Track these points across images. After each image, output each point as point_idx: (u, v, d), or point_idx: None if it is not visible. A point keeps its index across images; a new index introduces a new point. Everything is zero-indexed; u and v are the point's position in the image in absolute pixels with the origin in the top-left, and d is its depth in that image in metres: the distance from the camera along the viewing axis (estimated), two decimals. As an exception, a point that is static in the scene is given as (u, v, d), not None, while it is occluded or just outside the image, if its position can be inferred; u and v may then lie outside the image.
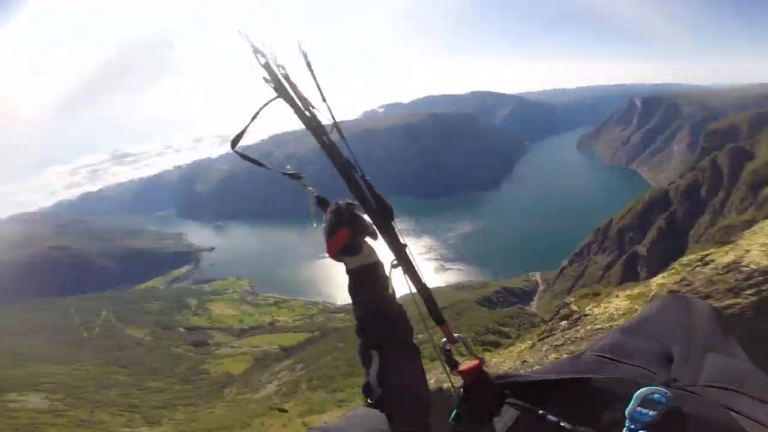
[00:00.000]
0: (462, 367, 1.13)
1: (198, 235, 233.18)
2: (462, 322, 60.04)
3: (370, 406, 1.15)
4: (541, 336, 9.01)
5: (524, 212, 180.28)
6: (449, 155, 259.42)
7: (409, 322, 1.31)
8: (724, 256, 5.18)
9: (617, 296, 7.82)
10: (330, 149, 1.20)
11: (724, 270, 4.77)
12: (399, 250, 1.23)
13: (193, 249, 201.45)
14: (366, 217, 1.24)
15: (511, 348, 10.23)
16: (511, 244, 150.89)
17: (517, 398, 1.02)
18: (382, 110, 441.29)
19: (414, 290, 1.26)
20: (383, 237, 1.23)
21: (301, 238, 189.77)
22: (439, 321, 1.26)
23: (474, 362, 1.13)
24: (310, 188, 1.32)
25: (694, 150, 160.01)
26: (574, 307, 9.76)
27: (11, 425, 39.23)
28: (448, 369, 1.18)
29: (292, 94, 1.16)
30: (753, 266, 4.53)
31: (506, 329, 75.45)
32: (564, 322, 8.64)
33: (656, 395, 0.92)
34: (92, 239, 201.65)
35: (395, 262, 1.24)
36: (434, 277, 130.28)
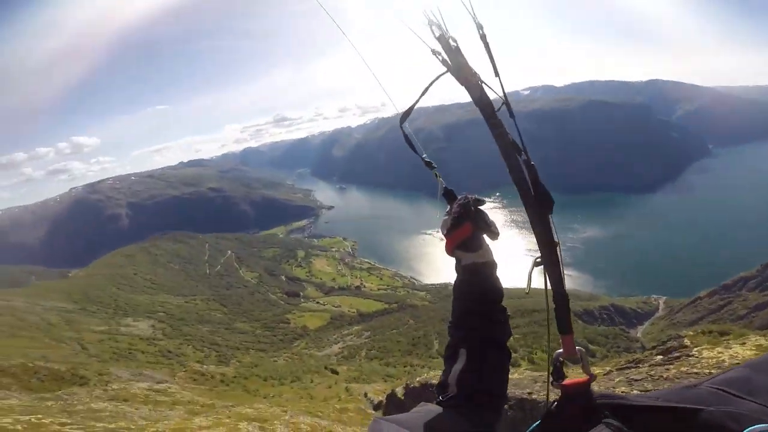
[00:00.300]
0: (566, 381, 1.06)
1: (324, 193, 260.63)
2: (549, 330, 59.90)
3: (440, 403, 1.14)
4: (623, 365, 8.34)
5: (675, 227, 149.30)
6: (598, 148, 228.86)
7: (510, 327, 1.32)
8: None
9: (744, 343, 6.85)
10: (498, 129, 1.13)
11: None
12: (549, 247, 1.16)
13: (316, 205, 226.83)
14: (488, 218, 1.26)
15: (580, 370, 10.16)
16: (642, 259, 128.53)
17: (616, 420, 0.98)
18: (526, 92, 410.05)
19: (549, 292, 1.19)
20: (535, 230, 1.16)
21: (410, 212, 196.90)
22: (566, 331, 1.18)
23: (581, 378, 1.06)
24: (441, 180, 1.33)
25: None
26: (687, 342, 9.03)
27: (112, 348, 50.21)
28: (550, 380, 1.12)
29: (465, 68, 1.10)
30: None
31: (593, 348, 68.28)
32: (659, 357, 7.91)
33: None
34: (241, 186, 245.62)
35: (539, 259, 1.18)
36: (535, 276, 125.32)
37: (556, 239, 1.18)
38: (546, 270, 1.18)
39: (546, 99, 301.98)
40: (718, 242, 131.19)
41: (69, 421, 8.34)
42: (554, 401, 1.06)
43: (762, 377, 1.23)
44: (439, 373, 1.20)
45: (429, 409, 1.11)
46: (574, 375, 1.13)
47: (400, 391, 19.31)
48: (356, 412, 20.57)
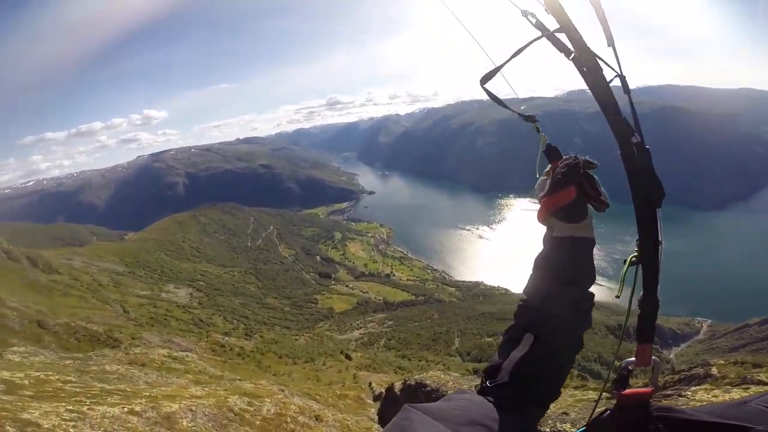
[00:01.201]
0: (627, 391, 1.00)
1: (367, 178, 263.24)
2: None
3: (483, 390, 1.05)
4: (663, 386, 8.06)
5: (742, 246, 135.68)
6: (670, 158, 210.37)
7: (591, 318, 1.17)
8: None
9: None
10: (609, 104, 0.98)
11: None
12: (651, 245, 1.04)
13: (358, 189, 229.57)
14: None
15: (584, 390, 9.36)
16: (694, 279, 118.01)
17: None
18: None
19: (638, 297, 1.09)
20: (639, 225, 1.04)
21: (450, 206, 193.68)
22: (646, 338, 1.08)
23: (644, 389, 1.00)
24: (543, 134, 1.13)
25: None
26: (714, 371, 8.82)
27: (149, 313, 51.96)
28: (610, 386, 1.04)
29: (571, 29, 0.96)
30: None
31: (617, 362, 65.40)
32: (679, 384, 7.60)
33: None
34: (290, 164, 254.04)
35: (635, 258, 1.06)
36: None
37: (660, 238, 1.06)
38: (644, 269, 1.06)
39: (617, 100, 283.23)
40: None
41: (73, 380, 9.53)
42: (605, 409, 1.01)
43: None
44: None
45: (470, 399, 1.02)
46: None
47: (398, 386, 19.44)
48: (354, 399, 20.97)
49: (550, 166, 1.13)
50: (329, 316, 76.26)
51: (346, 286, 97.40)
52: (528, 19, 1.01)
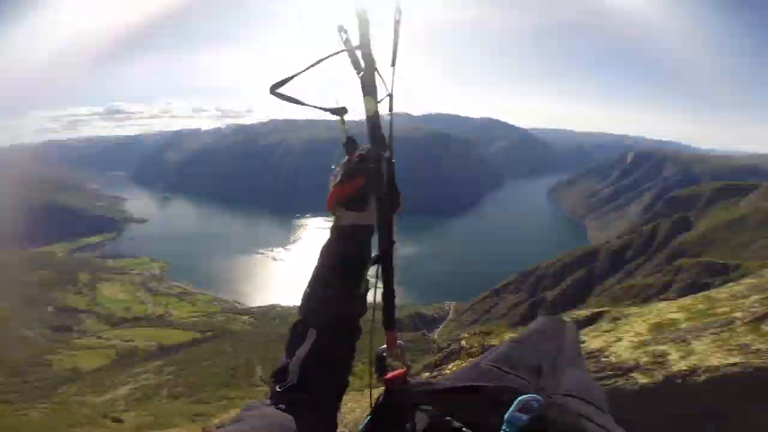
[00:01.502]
0: (387, 375, 1.12)
1: (139, 203, 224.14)
2: (364, 342, 63.04)
3: (278, 396, 1.06)
4: (435, 365, 10.14)
5: (466, 245, 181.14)
6: (429, 176, 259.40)
7: (366, 302, 1.22)
8: (595, 340, 6.03)
9: (502, 337, 9.01)
10: (375, 119, 1.08)
11: (586, 356, 5.50)
12: (388, 245, 1.14)
13: (124, 217, 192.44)
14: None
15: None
16: (441, 272, 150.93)
17: (432, 405, 1.07)
18: (387, 117, 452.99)
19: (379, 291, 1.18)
20: (379, 228, 1.14)
21: (245, 230, 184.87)
22: (390, 326, 1.21)
23: (399, 370, 1.14)
24: (346, 126, 1.18)
25: (647, 213, 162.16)
26: (464, 343, 11.42)
27: None
28: (375, 375, 1.16)
29: (367, 48, 1.02)
30: (613, 359, 5.59)
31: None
32: (443, 361, 10.02)
33: (532, 402, 1.07)
34: (19, 187, 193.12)
35: (376, 257, 1.16)
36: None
37: (395, 238, 1.14)
38: (382, 267, 1.15)
39: (402, 126, 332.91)
40: (490, 258, 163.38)
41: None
42: (380, 395, 1.10)
43: (520, 352, 1.57)
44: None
45: (261, 414, 1.03)
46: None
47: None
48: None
49: (346, 157, 1.17)
50: (74, 378, 60.74)
51: (98, 337, 79.75)
52: (340, 35, 1.05)
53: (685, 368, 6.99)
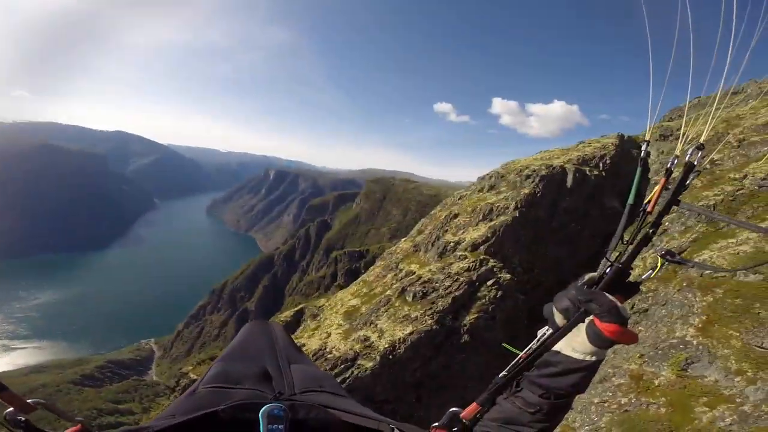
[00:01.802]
0: None
1: None
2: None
3: None
4: None
5: (137, 276, 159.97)
6: (50, 199, 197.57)
7: None
8: (313, 339, 10.46)
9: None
10: None
11: (314, 357, 8.32)
12: None
13: None
14: None
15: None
16: (117, 311, 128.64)
17: None
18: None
19: None
20: None
21: None
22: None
23: (72, 428, 1.01)
24: None
25: (298, 221, 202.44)
26: (192, 376, 15.11)
27: None
28: None
29: None
30: (336, 353, 9.57)
31: (126, 405, 62.38)
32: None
33: (275, 410, 1.07)
34: None
35: None
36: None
37: None
38: None
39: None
40: (172, 282, 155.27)
41: None
42: None
43: (238, 365, 1.57)
44: None
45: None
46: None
47: None
48: None
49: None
50: None
51: None
52: None
53: (387, 346, 16.65)
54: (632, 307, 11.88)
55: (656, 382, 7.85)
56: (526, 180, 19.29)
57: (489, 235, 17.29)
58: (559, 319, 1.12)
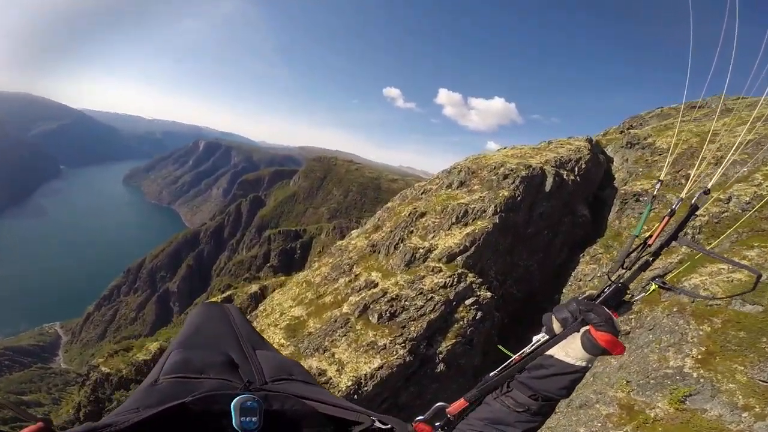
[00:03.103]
0: None
1: None
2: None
3: None
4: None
5: (36, 252, 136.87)
6: None
7: None
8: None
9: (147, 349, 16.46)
10: None
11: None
12: None
13: None
14: None
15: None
16: (12, 292, 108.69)
17: None
18: None
19: None
20: None
21: None
22: None
23: (33, 426, 0.91)
24: None
25: (228, 196, 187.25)
26: (104, 369, 17.99)
27: None
28: None
29: None
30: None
31: (33, 396, 54.30)
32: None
33: (249, 402, 1.02)
34: None
35: None
36: None
37: None
38: None
39: None
40: (80, 259, 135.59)
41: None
42: None
43: (199, 353, 1.43)
44: None
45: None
46: None
47: None
48: None
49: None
50: None
51: None
52: None
53: (351, 383, 13.59)
54: None
55: (652, 414, 7.22)
56: (503, 180, 16.62)
57: (467, 243, 14.36)
58: (556, 326, 1.19)
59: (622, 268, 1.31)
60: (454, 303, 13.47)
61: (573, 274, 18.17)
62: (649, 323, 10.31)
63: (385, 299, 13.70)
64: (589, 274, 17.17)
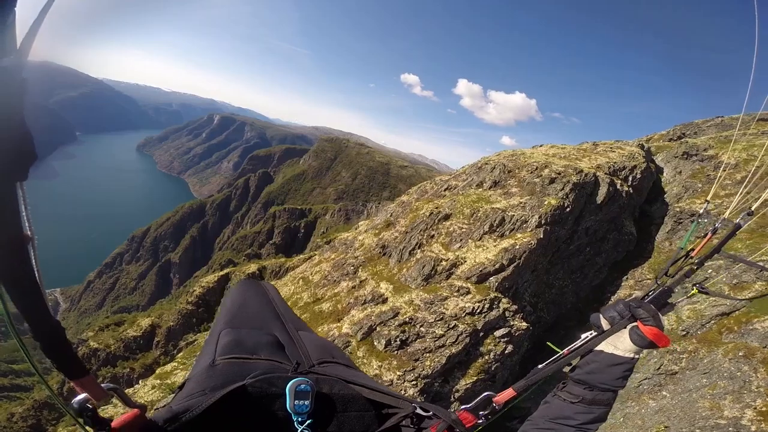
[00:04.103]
0: (116, 423, 0.89)
1: None
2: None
3: None
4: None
5: (47, 215, 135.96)
6: None
7: None
8: None
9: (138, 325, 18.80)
10: None
11: None
12: (9, 244, 0.68)
13: None
14: None
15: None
16: None
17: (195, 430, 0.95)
18: None
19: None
20: None
21: None
22: (78, 373, 0.82)
23: (130, 413, 0.92)
24: None
25: (238, 170, 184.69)
26: (92, 344, 19.19)
27: None
28: (90, 430, 0.86)
29: None
30: None
31: (24, 365, 50.74)
32: None
33: (303, 386, 1.05)
34: None
35: None
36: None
37: (28, 230, 0.71)
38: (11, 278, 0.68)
39: None
40: (85, 224, 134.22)
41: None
42: None
43: (248, 333, 1.44)
44: None
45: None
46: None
47: None
48: None
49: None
50: None
51: None
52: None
53: None
54: (659, 368, 10.17)
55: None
56: (549, 184, 13.58)
57: (504, 262, 11.46)
58: (605, 324, 1.25)
59: (667, 276, 1.42)
60: (482, 334, 10.70)
61: (613, 299, 15.36)
62: (704, 366, 9.01)
63: (396, 322, 10.95)
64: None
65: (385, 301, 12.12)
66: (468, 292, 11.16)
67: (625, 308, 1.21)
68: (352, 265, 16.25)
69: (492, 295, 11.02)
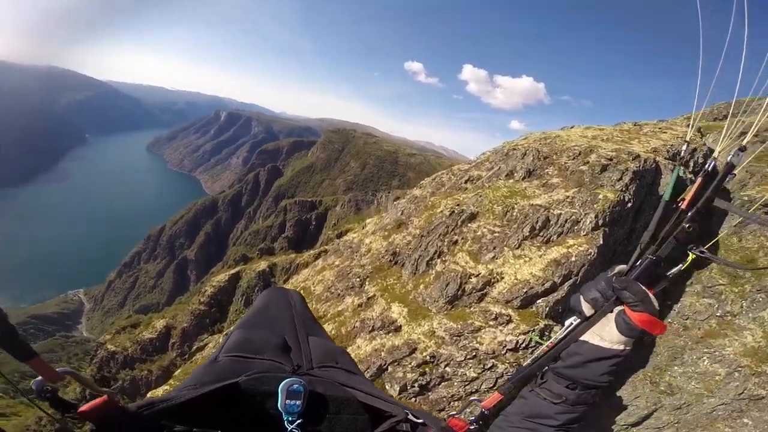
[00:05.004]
0: (83, 408, 0.86)
1: None
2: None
3: None
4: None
5: (63, 217, 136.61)
6: None
7: None
8: None
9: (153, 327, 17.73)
10: None
11: None
12: None
13: None
14: None
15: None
16: (39, 258, 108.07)
17: (176, 422, 0.93)
18: None
19: None
20: None
21: None
22: (27, 355, 0.88)
23: (98, 399, 0.90)
24: None
25: (247, 165, 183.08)
26: (110, 347, 18.72)
27: None
28: (56, 414, 0.86)
29: None
30: None
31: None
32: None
33: (295, 386, 1.05)
34: None
35: None
36: None
37: None
38: None
39: None
40: (102, 225, 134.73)
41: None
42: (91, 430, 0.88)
43: (259, 333, 1.45)
44: None
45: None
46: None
47: None
48: None
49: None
50: None
51: None
52: None
53: None
54: (741, 393, 8.46)
55: None
56: (602, 173, 10.62)
57: (556, 279, 8.66)
58: (586, 308, 1.08)
59: (655, 239, 1.11)
60: (531, 376, 8.07)
61: (676, 308, 12.46)
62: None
63: (413, 361, 8.33)
64: (702, 312, 11.34)
65: (398, 330, 9.49)
66: (509, 321, 8.42)
67: (607, 286, 1.04)
68: (358, 276, 13.67)
69: (542, 324, 8.27)
